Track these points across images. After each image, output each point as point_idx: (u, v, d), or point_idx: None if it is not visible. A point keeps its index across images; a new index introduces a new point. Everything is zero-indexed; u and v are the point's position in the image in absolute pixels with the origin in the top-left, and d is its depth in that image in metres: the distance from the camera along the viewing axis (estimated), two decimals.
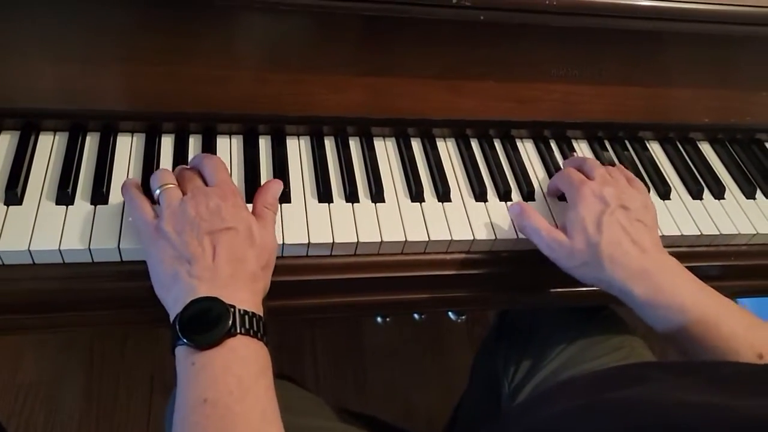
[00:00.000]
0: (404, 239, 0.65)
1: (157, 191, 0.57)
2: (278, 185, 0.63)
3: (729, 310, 0.59)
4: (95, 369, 1.37)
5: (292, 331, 1.50)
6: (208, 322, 0.49)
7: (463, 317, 1.10)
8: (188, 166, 0.62)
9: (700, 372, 0.50)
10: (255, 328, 0.51)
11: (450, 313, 1.12)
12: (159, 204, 0.57)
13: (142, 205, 0.57)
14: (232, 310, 0.50)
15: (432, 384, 1.45)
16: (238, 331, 0.49)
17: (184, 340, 0.49)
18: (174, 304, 0.51)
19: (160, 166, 0.67)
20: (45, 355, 1.38)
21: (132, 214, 0.58)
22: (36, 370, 1.35)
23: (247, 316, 0.50)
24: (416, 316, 1.15)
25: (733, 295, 0.89)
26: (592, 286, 0.63)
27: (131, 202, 0.58)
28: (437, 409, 1.37)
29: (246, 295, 0.52)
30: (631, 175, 0.70)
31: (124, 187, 0.60)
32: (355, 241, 0.64)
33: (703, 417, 0.37)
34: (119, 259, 0.60)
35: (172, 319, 0.51)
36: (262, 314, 0.52)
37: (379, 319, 1.22)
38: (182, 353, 0.49)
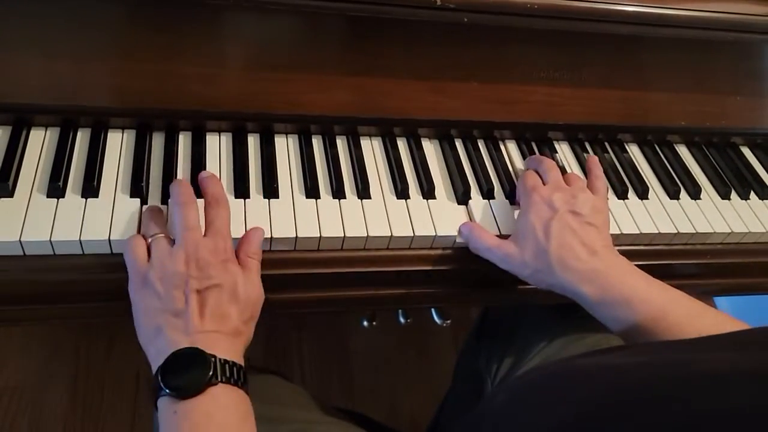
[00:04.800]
0: (389, 234, 0.67)
1: (149, 240, 0.58)
2: (260, 234, 0.62)
3: (675, 300, 0.61)
4: (80, 371, 1.37)
5: (279, 333, 1.51)
6: (189, 372, 0.50)
7: (448, 321, 1.12)
8: (187, 198, 0.61)
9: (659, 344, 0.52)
10: (236, 377, 0.52)
11: (435, 317, 1.13)
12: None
13: (135, 249, 0.57)
14: (213, 360, 0.51)
15: (417, 387, 1.46)
16: (219, 379, 0.50)
17: (166, 390, 0.50)
18: (156, 355, 0.52)
19: (151, 163, 0.68)
20: (30, 358, 1.37)
21: (125, 255, 0.58)
22: (20, 373, 1.35)
23: (227, 365, 0.52)
24: (402, 319, 1.17)
25: (709, 293, 0.91)
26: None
27: (128, 243, 0.58)
28: (421, 411, 1.38)
29: (227, 346, 0.53)
30: (598, 173, 0.72)
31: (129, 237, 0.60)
32: (342, 235, 0.66)
33: (663, 370, 0.39)
34: (110, 251, 0.61)
35: (154, 371, 0.52)
36: (242, 364, 0.54)
37: (365, 323, 1.23)
38: (164, 403, 0.50)
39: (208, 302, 0.54)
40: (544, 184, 0.69)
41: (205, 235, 0.58)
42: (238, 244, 0.61)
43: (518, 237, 0.65)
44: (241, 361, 0.54)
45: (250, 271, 0.59)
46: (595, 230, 0.64)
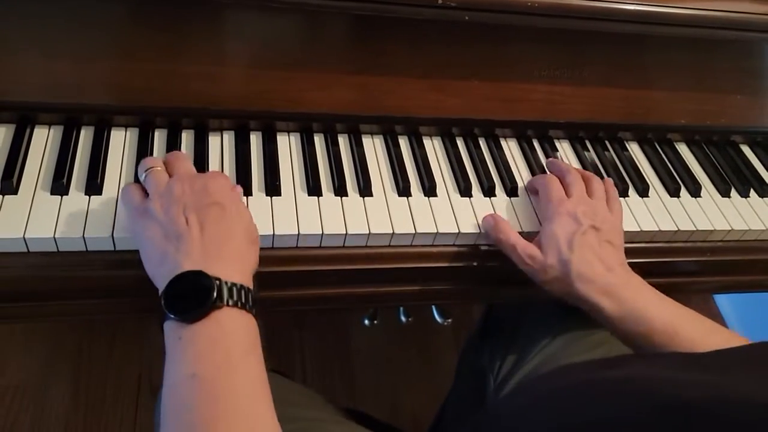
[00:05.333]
0: (391, 231, 0.67)
1: (143, 175, 0.58)
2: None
3: (687, 318, 0.63)
4: (82, 370, 1.37)
5: (280, 332, 1.51)
6: (194, 295, 0.49)
7: (449, 320, 1.12)
8: (180, 153, 0.62)
9: (678, 356, 0.53)
10: (243, 300, 0.51)
11: (436, 316, 1.13)
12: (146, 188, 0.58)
13: (131, 190, 0.58)
14: (218, 282, 0.50)
15: (418, 386, 1.46)
16: (225, 302, 0.49)
17: (171, 315, 0.49)
18: (164, 282, 0.51)
19: None
20: (32, 357, 1.37)
21: (122, 199, 0.59)
22: (23, 371, 1.35)
23: (234, 288, 0.50)
24: (403, 318, 1.17)
25: (709, 291, 0.92)
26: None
27: (122, 190, 0.59)
28: (423, 409, 1.38)
29: (234, 268, 0.52)
30: (613, 194, 0.72)
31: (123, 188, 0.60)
32: (344, 232, 0.66)
33: (693, 390, 0.39)
34: (113, 248, 0.61)
35: (160, 294, 0.51)
36: (251, 287, 0.53)
37: (366, 322, 1.24)
38: (170, 328, 0.49)
39: (209, 220, 0.54)
40: (566, 193, 0.70)
41: None
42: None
43: (541, 244, 0.66)
44: (249, 283, 0.53)
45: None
46: (613, 248, 0.66)
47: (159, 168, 0.59)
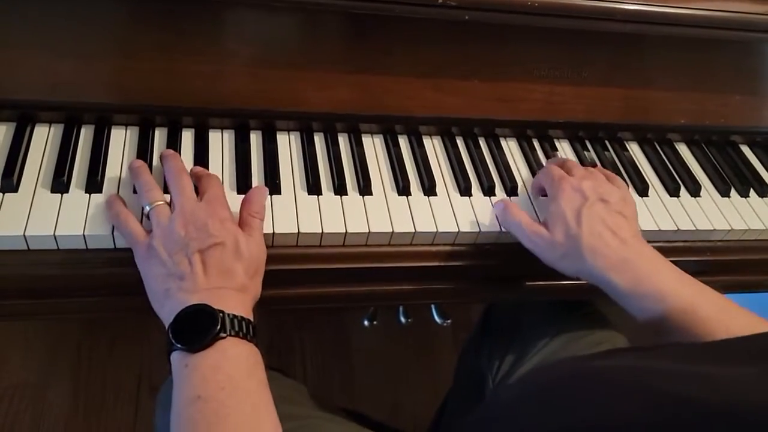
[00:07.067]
0: (391, 230, 0.67)
1: (147, 208, 0.59)
2: (263, 193, 0.64)
3: (705, 295, 0.61)
4: (82, 370, 1.37)
5: (281, 332, 1.51)
6: (198, 327, 0.52)
7: (449, 321, 1.12)
8: (179, 169, 0.63)
9: (677, 346, 0.53)
10: (244, 330, 0.53)
11: (435, 317, 1.14)
12: (148, 218, 0.59)
13: (129, 223, 0.59)
14: (221, 315, 0.52)
15: (418, 386, 1.46)
16: (228, 333, 0.52)
17: (177, 345, 0.51)
18: (168, 316, 0.54)
19: (154, 159, 0.69)
20: (31, 356, 1.37)
21: (120, 231, 0.60)
22: (22, 371, 1.35)
23: (236, 320, 0.53)
24: (403, 319, 1.17)
25: None
26: (576, 279, 0.65)
27: (117, 219, 0.60)
28: (423, 409, 1.38)
29: (235, 302, 0.54)
30: (612, 174, 0.73)
31: (108, 204, 0.62)
32: (344, 231, 0.66)
33: (692, 384, 0.39)
34: (113, 246, 0.61)
35: (166, 328, 0.53)
36: (252, 319, 0.55)
37: (366, 322, 1.24)
38: (176, 358, 0.52)
39: (211, 260, 0.55)
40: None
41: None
42: (242, 204, 0.62)
43: (548, 221, 0.65)
44: (249, 316, 0.55)
45: (252, 229, 0.60)
46: (624, 220, 0.64)
47: (161, 202, 0.59)
